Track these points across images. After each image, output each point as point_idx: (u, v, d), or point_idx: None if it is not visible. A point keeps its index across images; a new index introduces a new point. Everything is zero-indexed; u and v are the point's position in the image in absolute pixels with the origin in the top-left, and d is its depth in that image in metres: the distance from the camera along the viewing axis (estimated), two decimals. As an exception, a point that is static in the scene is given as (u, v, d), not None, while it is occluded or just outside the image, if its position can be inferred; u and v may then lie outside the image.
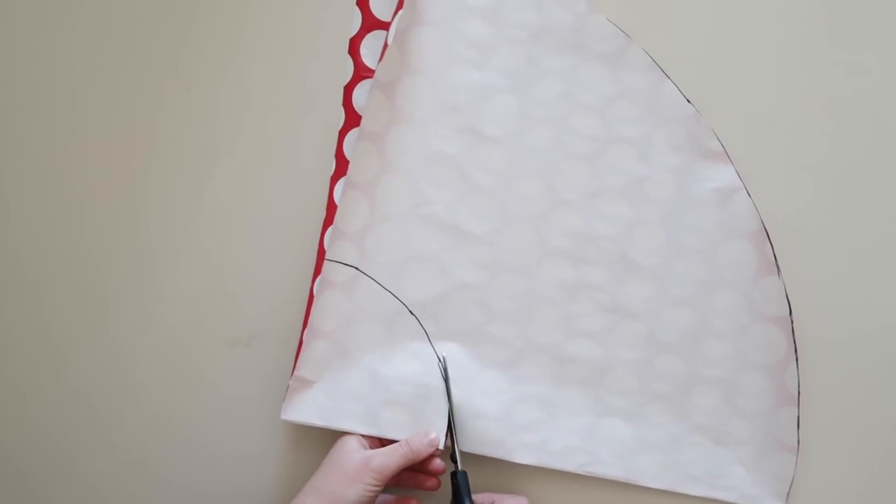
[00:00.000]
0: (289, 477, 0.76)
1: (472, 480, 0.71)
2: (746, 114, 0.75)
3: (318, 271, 0.74)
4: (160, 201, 0.77)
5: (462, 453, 0.72)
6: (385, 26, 0.75)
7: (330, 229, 0.74)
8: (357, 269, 0.74)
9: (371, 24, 0.75)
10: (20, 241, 0.77)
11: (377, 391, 0.73)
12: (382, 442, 0.73)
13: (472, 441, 0.74)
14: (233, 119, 0.77)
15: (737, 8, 0.76)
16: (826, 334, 0.74)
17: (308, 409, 0.73)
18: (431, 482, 0.73)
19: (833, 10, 0.75)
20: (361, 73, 0.75)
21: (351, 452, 0.70)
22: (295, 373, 0.74)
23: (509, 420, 0.74)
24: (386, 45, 0.73)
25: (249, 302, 0.75)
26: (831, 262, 0.75)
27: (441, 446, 0.71)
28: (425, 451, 0.71)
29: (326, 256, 0.74)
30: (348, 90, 0.75)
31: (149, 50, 0.78)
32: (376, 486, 0.68)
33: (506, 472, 0.75)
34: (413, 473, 0.74)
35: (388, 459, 0.69)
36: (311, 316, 0.74)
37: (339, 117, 0.75)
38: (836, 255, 0.75)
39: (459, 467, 0.71)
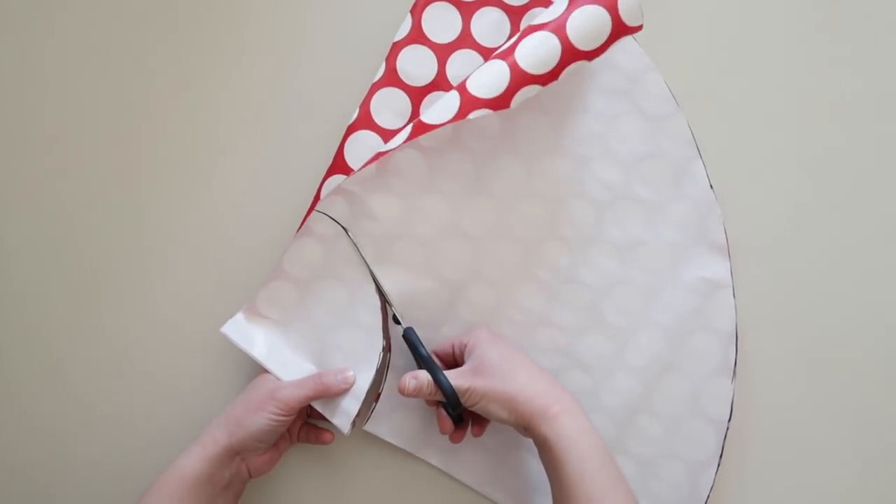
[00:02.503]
0: (288, 471, 0.75)
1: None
2: (746, 113, 0.76)
3: (308, 215, 0.72)
4: (160, 200, 0.77)
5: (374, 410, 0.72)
6: (430, 43, 0.74)
7: (330, 179, 0.72)
8: (345, 229, 0.72)
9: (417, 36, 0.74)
10: (20, 240, 0.76)
11: (317, 354, 0.72)
12: None
13: (388, 429, 0.73)
14: (232, 119, 0.77)
15: (738, 8, 0.77)
16: (829, 334, 0.75)
17: (250, 336, 0.71)
18: (326, 436, 0.73)
19: (836, 10, 0.77)
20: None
21: (264, 382, 0.70)
22: (254, 300, 0.72)
23: (431, 420, 0.73)
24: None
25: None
26: (831, 261, 0.75)
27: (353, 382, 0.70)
28: (337, 388, 0.69)
29: (318, 208, 0.72)
30: (395, 49, 0.74)
31: (148, 51, 0.77)
32: (281, 415, 0.67)
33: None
34: (310, 429, 0.73)
35: (296, 391, 0.68)
36: (284, 256, 0.72)
37: (379, 72, 0.73)
38: (836, 254, 0.75)
39: (404, 326, 0.71)
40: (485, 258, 0.74)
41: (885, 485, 0.74)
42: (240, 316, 0.72)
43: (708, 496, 0.72)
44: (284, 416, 0.67)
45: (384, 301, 0.72)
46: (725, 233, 0.73)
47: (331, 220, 0.72)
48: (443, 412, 0.70)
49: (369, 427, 0.73)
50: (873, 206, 0.76)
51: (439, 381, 0.67)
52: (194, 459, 0.65)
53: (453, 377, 0.67)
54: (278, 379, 0.70)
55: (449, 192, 0.74)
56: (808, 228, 0.76)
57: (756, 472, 0.74)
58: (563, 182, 0.74)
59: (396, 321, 0.72)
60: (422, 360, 0.69)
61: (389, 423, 0.73)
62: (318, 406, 0.71)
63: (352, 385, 0.70)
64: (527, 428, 0.65)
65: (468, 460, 0.74)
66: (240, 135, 0.77)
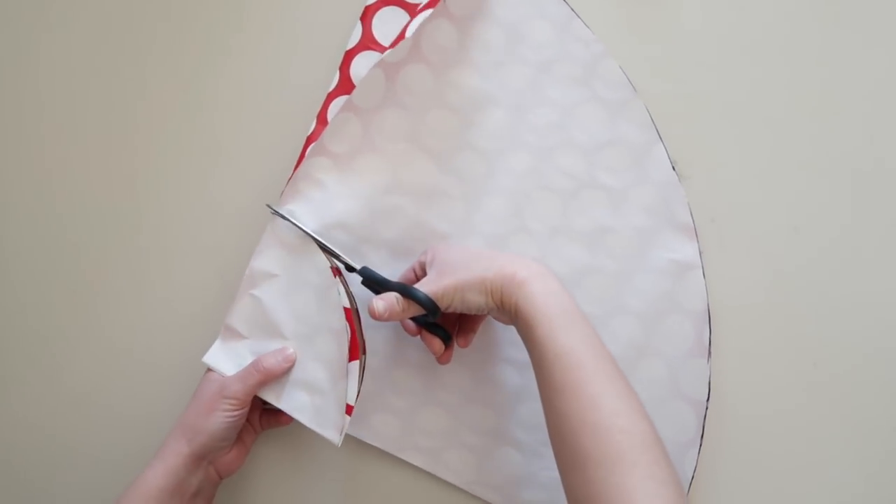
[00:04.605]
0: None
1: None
2: (745, 113, 0.76)
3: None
4: (159, 200, 0.77)
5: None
6: (381, 48, 0.73)
7: (288, 185, 0.72)
8: (313, 236, 0.72)
9: (368, 42, 0.74)
10: (19, 241, 0.77)
11: (296, 366, 0.72)
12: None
13: (370, 431, 0.74)
14: (231, 119, 0.77)
15: (737, 7, 0.76)
16: (829, 333, 0.75)
17: (229, 360, 0.72)
18: (284, 418, 0.73)
19: (833, 9, 0.76)
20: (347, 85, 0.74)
21: (210, 383, 0.70)
22: (226, 321, 0.72)
23: (413, 420, 0.74)
24: (403, 33, 0.71)
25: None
26: (830, 261, 0.75)
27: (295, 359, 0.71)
28: (279, 368, 0.70)
29: (277, 209, 0.72)
30: (347, 57, 0.74)
31: (146, 51, 0.77)
32: (234, 411, 0.67)
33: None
34: (270, 415, 0.74)
35: (241, 384, 0.68)
36: (251, 267, 0.72)
37: (334, 81, 0.74)
38: (835, 254, 0.75)
39: (358, 268, 0.71)
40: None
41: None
42: (220, 343, 0.72)
43: (693, 475, 0.73)
44: (238, 409, 0.68)
45: (340, 278, 0.72)
46: (691, 213, 0.73)
47: (297, 227, 0.72)
48: (428, 334, 0.69)
49: (348, 429, 0.73)
50: (873, 205, 0.75)
51: (411, 293, 0.66)
52: (157, 473, 0.66)
53: (422, 286, 0.67)
54: (223, 376, 0.70)
55: (413, 191, 0.74)
56: (806, 227, 0.75)
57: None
58: (526, 175, 0.74)
59: (350, 269, 0.71)
60: (387, 285, 0.69)
61: (369, 425, 0.74)
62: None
63: (293, 362, 0.71)
64: (502, 304, 0.64)
65: (450, 459, 0.74)
66: (238, 136, 0.77)
